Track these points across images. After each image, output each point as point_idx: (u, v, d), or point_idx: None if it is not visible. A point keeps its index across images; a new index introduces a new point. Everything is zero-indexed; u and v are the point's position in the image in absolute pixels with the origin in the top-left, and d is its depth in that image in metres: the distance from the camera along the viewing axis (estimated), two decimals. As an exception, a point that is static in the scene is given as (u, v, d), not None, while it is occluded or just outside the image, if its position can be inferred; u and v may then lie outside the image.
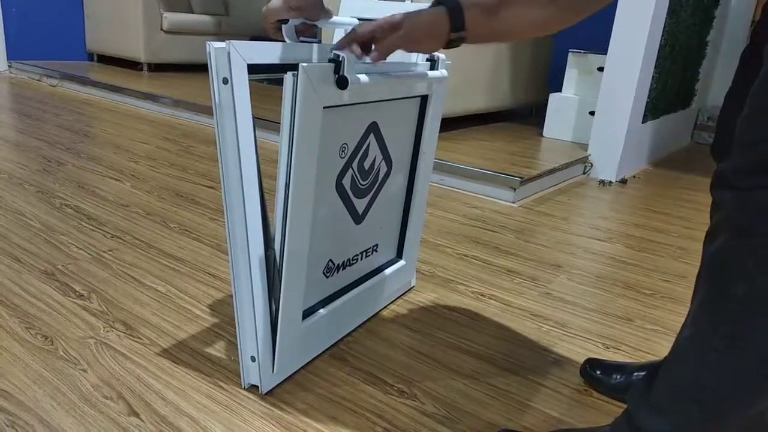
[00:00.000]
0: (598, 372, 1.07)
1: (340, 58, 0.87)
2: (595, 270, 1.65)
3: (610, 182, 2.70)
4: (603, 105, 2.73)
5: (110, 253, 1.48)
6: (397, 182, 1.24)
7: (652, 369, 0.83)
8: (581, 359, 1.15)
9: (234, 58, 0.82)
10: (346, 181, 1.07)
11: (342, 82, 0.87)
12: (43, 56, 4.67)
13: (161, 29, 4.54)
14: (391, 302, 1.34)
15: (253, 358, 0.96)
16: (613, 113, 2.70)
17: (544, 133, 3.20)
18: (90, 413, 0.90)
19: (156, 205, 1.85)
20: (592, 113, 2.89)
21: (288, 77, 0.84)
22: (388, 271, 1.28)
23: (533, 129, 3.36)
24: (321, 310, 1.08)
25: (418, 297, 1.38)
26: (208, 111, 3.22)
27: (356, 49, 0.87)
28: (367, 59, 0.86)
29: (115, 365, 1.02)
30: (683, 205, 2.44)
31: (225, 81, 0.83)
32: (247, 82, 0.85)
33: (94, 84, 3.90)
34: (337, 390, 1.01)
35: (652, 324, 1.35)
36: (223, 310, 1.24)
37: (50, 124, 2.93)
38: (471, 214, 2.06)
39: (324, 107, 0.90)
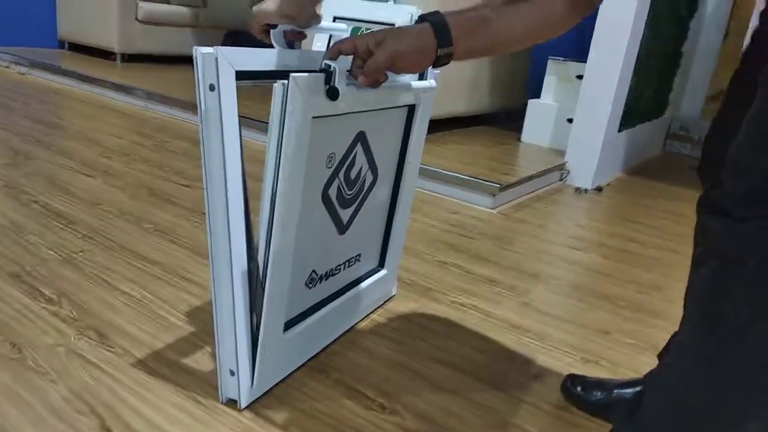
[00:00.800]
0: (579, 388, 1.07)
1: (331, 69, 0.84)
2: (572, 280, 1.66)
3: (586, 189, 2.73)
4: (581, 113, 2.75)
5: (81, 254, 1.43)
6: (382, 192, 1.22)
7: (641, 389, 0.83)
8: (561, 373, 1.15)
9: (222, 64, 0.79)
10: (332, 191, 1.04)
11: (333, 93, 0.85)
12: (12, 42, 4.50)
13: (136, 19, 4.43)
14: (372, 311, 1.32)
15: (231, 372, 0.94)
16: (591, 121, 2.73)
17: (522, 138, 3.22)
18: (59, 428, 0.86)
19: (130, 204, 1.80)
20: (570, 120, 2.92)
21: (278, 87, 0.81)
22: (369, 280, 1.26)
23: (511, 134, 3.38)
24: (302, 322, 1.06)
25: (398, 306, 1.37)
26: (183, 105, 3.15)
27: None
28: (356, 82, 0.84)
29: (86, 376, 0.98)
30: (656, 214, 2.47)
31: (212, 88, 0.80)
32: (235, 89, 0.82)
33: (65, 73, 3.78)
34: (317, 405, 0.99)
35: (629, 338, 1.36)
36: (200, 318, 1.21)
37: (18, 114, 2.83)
38: (451, 220, 2.05)
39: (313, 117, 0.88)
